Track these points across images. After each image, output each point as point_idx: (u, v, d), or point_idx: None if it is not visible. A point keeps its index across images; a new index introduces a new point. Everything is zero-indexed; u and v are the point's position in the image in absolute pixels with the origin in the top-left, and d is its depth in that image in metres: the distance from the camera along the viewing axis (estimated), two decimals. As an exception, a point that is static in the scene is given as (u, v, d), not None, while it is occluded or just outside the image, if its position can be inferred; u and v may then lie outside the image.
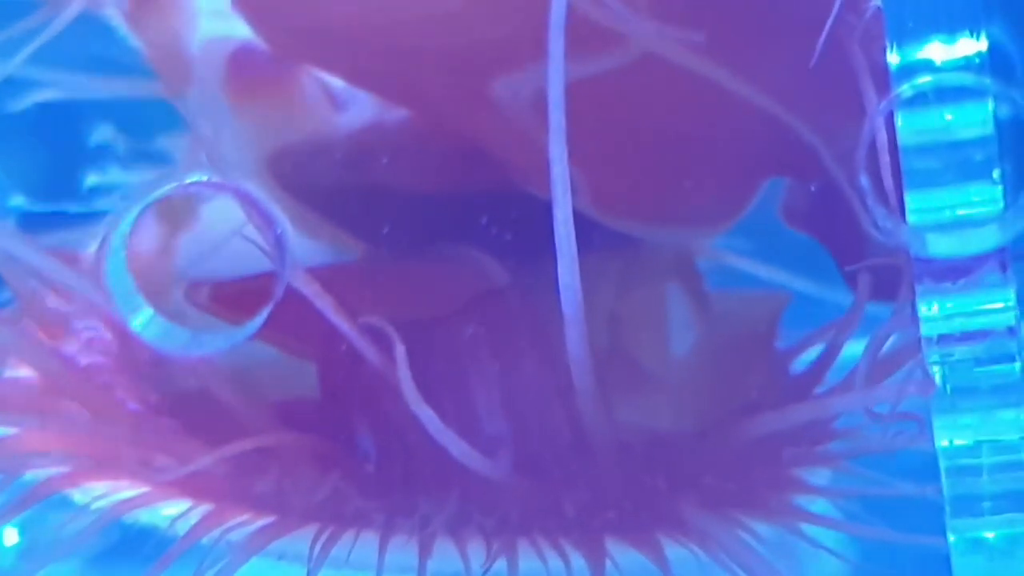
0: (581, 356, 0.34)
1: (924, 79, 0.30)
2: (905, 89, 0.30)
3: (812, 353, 0.40)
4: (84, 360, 0.38)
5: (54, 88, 0.42)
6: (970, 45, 0.31)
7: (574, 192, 0.36)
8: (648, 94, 0.35)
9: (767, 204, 0.39)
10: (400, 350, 0.33)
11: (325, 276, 0.33)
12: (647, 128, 0.36)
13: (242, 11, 0.36)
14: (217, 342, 0.31)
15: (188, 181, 0.31)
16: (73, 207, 0.43)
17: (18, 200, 0.43)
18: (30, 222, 0.41)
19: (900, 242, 0.31)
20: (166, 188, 0.31)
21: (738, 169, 0.38)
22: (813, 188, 0.37)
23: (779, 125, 0.36)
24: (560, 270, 0.33)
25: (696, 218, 0.39)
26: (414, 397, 0.33)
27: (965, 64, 0.31)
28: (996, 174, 0.31)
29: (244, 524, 0.35)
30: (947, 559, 0.32)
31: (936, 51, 0.31)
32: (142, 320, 0.31)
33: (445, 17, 0.34)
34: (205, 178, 0.31)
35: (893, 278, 0.36)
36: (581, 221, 0.36)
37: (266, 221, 0.31)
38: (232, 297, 0.34)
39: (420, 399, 0.33)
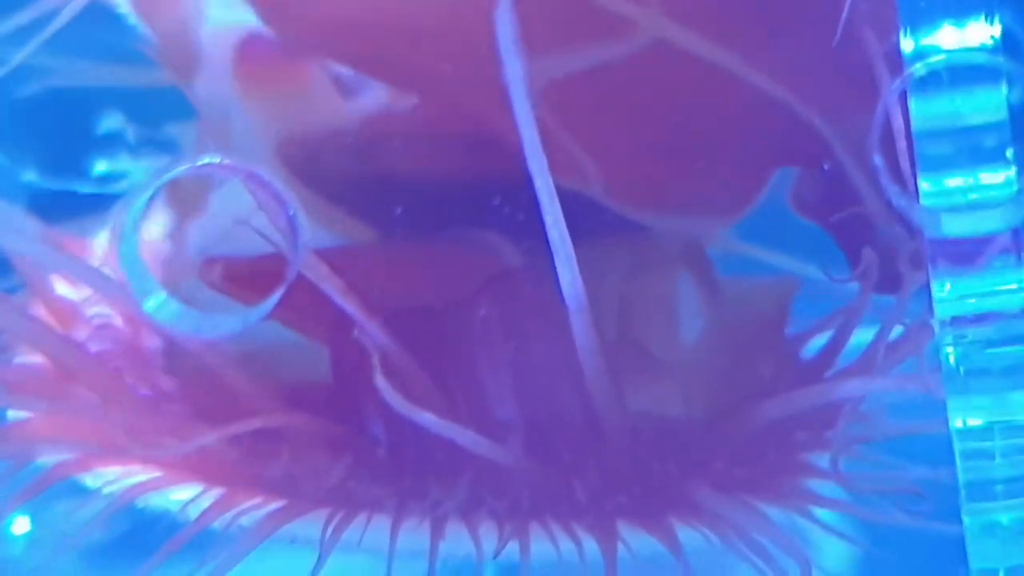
0: (589, 343, 0.34)
1: (937, 58, 0.30)
2: (918, 68, 0.30)
3: (822, 339, 0.40)
4: (95, 346, 0.38)
5: (64, 76, 0.42)
6: (983, 30, 0.31)
7: (586, 180, 0.36)
8: (659, 83, 0.35)
9: (778, 191, 0.39)
10: (376, 364, 0.33)
11: (337, 259, 0.33)
12: (659, 116, 0.36)
13: (251, -1, 0.36)
14: (230, 324, 0.31)
15: (200, 163, 0.31)
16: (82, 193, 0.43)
17: (30, 176, 0.43)
18: (40, 207, 0.41)
19: (914, 222, 0.31)
20: (178, 170, 0.31)
21: (749, 158, 0.38)
22: (826, 167, 0.37)
23: (789, 114, 0.36)
24: (558, 264, 0.33)
25: (707, 207, 0.39)
26: (402, 404, 0.33)
27: (978, 48, 0.31)
28: (1009, 153, 0.31)
29: (255, 508, 0.35)
30: (960, 543, 0.32)
31: (949, 36, 0.31)
32: (155, 303, 0.31)
33: (455, 4, 0.34)
34: (217, 160, 0.31)
35: (896, 267, 0.36)
36: (592, 208, 0.36)
37: (278, 204, 0.31)
38: (245, 277, 0.34)
39: (408, 405, 0.33)
